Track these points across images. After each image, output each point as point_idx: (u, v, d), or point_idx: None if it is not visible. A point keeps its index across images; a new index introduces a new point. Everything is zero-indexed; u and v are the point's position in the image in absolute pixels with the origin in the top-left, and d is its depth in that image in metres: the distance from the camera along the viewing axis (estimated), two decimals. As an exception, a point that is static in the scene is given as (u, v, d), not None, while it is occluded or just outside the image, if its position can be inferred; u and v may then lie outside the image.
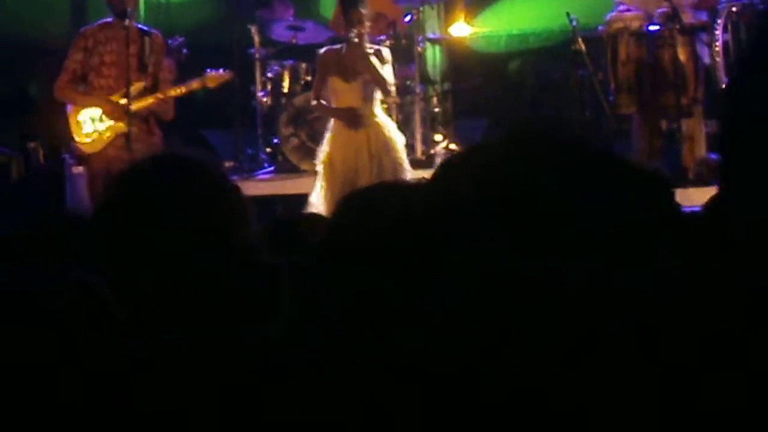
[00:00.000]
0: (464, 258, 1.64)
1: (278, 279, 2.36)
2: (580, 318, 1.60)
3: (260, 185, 10.25)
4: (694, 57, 9.44)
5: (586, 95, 9.95)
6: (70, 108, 8.93)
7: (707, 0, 9.63)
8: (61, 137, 9.41)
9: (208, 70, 9.13)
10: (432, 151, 10.59)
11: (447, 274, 1.65)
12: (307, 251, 2.22)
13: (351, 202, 2.30)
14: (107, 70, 8.84)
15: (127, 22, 8.72)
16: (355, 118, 8.82)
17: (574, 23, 9.75)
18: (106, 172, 8.50)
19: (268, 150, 10.90)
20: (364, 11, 8.85)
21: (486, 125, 11.54)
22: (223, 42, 10.95)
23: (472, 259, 1.63)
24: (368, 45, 8.87)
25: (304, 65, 10.73)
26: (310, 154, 9.64)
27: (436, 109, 11.25)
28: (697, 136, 9.55)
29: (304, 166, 10.23)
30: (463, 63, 12.23)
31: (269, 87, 10.91)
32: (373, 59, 8.80)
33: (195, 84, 9.06)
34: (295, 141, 10.52)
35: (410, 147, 9.74)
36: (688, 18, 9.42)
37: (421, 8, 10.85)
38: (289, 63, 10.87)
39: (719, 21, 9.34)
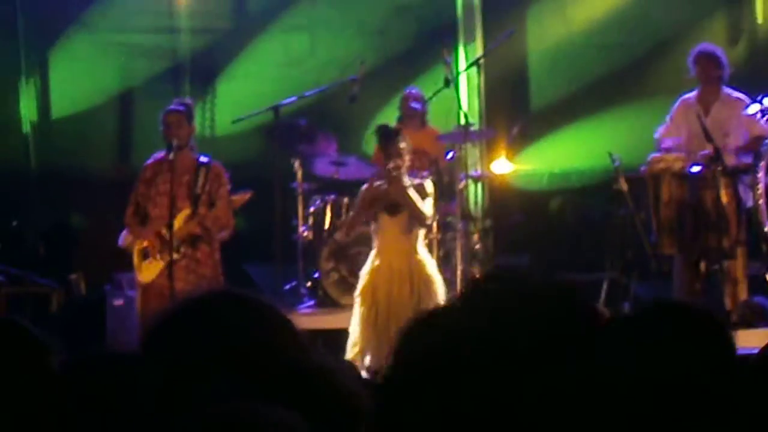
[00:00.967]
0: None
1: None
2: None
3: (301, 320, 10.17)
4: (737, 199, 9.41)
5: (628, 235, 9.92)
6: (133, 241, 9.13)
7: (751, 143, 9.63)
8: (103, 269, 9.48)
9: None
10: (472, 288, 10.54)
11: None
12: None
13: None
14: (160, 199, 9.08)
15: (171, 155, 8.90)
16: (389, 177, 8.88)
17: (617, 163, 9.77)
18: (157, 302, 8.73)
19: (309, 284, 10.90)
20: (402, 145, 8.92)
21: (527, 262, 11.51)
22: (267, 176, 11.03)
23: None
24: (408, 179, 8.93)
25: (345, 200, 10.78)
26: (351, 289, 9.63)
27: (477, 246, 11.23)
28: (740, 279, 9.48)
29: (344, 300, 10.22)
30: (505, 200, 12.27)
31: (311, 221, 10.96)
32: (412, 192, 8.85)
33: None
34: (335, 276, 10.54)
35: (450, 283, 9.72)
36: (730, 160, 9.42)
37: (463, 145, 10.91)
38: (330, 197, 10.94)
39: (762, 163, 9.34)
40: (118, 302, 9.72)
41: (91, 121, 12.71)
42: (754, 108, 9.62)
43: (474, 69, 11.40)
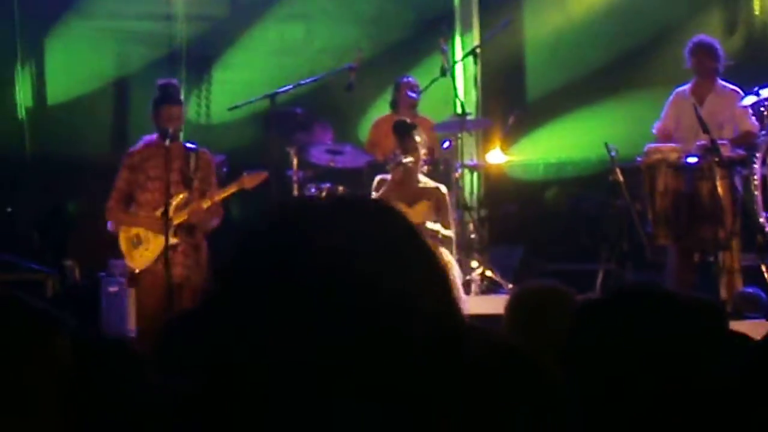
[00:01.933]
0: None
1: None
2: None
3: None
4: (732, 190, 9.40)
5: (623, 225, 9.92)
6: (118, 228, 9.02)
7: (745, 136, 9.64)
8: (97, 255, 9.45)
9: (245, 173, 9.22)
10: (467, 278, 10.55)
11: None
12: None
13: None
14: (151, 184, 8.97)
15: (167, 142, 8.85)
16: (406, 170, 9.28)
17: (613, 153, 9.77)
18: (154, 289, 8.63)
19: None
20: (418, 138, 9.32)
21: (522, 253, 11.51)
22: (262, 164, 11.01)
23: None
24: (430, 224, 9.27)
25: (341, 188, 10.76)
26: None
27: (473, 236, 11.23)
28: (734, 270, 9.48)
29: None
30: (500, 190, 12.26)
31: (306, 210, 10.92)
32: (430, 225, 9.24)
33: (232, 188, 9.17)
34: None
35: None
36: (726, 151, 9.41)
37: (459, 135, 10.91)
38: (326, 186, 10.91)
39: (758, 155, 9.35)
40: (113, 288, 9.69)
41: (86, 108, 12.69)
42: (749, 99, 9.62)
43: (470, 58, 11.41)
